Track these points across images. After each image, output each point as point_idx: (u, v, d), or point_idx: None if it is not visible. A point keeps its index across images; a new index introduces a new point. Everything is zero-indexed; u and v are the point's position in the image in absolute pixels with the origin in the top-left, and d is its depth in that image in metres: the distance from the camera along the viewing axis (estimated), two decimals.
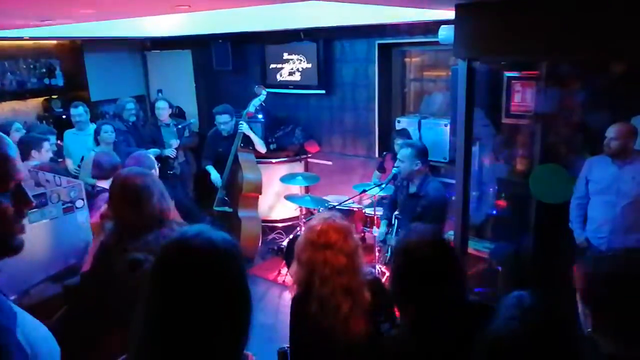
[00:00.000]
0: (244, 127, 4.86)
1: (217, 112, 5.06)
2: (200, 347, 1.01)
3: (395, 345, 1.65)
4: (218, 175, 5.04)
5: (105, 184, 3.27)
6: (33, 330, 1.19)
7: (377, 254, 4.33)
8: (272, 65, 5.99)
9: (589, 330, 1.32)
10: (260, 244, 5.23)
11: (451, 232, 3.13)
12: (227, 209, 5.01)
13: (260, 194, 5.12)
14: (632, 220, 3.36)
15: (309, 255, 1.88)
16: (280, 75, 5.95)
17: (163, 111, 5.41)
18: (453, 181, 3.35)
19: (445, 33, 3.59)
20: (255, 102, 4.91)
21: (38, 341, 1.18)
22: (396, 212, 3.73)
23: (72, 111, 5.00)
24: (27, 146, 3.78)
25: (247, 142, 5.00)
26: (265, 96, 4.94)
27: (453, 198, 3.15)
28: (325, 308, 1.83)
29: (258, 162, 5.20)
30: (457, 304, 1.58)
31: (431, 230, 1.70)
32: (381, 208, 4.27)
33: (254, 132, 5.06)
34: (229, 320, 1.05)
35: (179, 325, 1.02)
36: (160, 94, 6.52)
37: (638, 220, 3.35)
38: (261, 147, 5.11)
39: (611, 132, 3.35)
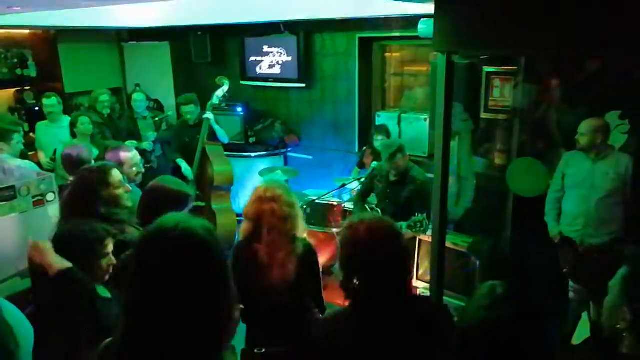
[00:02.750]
0: (209, 117, 4.77)
1: (180, 103, 5.01)
2: (183, 334, 1.03)
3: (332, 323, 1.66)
4: (189, 168, 4.95)
5: None
6: (12, 310, 1.34)
7: None
8: (252, 58, 5.92)
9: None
10: (236, 237, 5.18)
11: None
12: (199, 203, 4.92)
13: (232, 184, 5.05)
14: (605, 215, 3.42)
15: (256, 208, 2.21)
16: (260, 68, 5.89)
17: (140, 104, 5.30)
18: (432, 175, 3.36)
19: (425, 27, 3.59)
20: (219, 94, 4.82)
21: (19, 321, 1.33)
22: (373, 204, 3.72)
23: (45, 102, 4.84)
24: None
25: (214, 134, 4.92)
26: (227, 86, 4.85)
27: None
28: (271, 253, 2.16)
29: (237, 157, 5.15)
30: (399, 292, 1.57)
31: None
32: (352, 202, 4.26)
33: (218, 124, 4.97)
34: (211, 307, 1.06)
35: (161, 313, 1.03)
36: (138, 88, 6.39)
37: (611, 215, 3.41)
38: (224, 138, 5.02)
39: (581, 127, 3.40)
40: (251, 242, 2.25)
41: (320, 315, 2.25)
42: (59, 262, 1.77)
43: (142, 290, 1.05)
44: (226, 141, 5.05)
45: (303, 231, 2.34)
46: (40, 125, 4.93)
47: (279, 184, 2.41)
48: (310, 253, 2.33)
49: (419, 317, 1.57)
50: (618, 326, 1.29)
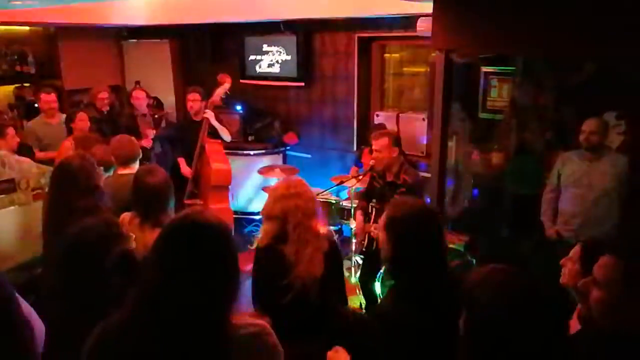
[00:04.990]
0: (209, 115, 4.74)
1: (187, 92, 5.02)
2: (197, 307, 1.17)
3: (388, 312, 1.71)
4: (188, 168, 4.95)
5: None
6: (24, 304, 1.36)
7: (353, 245, 4.34)
8: (252, 57, 5.94)
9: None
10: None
11: None
12: (197, 201, 4.92)
13: (230, 183, 5.01)
14: (601, 214, 3.44)
15: (281, 206, 2.16)
16: (260, 67, 5.91)
17: (140, 101, 5.31)
18: (428, 175, 3.38)
19: (424, 25, 3.62)
20: (220, 91, 4.78)
21: (31, 314, 1.39)
22: (373, 202, 3.73)
23: (45, 97, 4.77)
24: None
25: (214, 132, 4.91)
26: (229, 85, 4.81)
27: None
28: (298, 250, 2.12)
29: (236, 155, 5.15)
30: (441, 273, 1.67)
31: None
32: (357, 201, 4.28)
33: (220, 122, 4.95)
34: (223, 286, 1.21)
35: (180, 289, 1.16)
36: (138, 85, 6.40)
37: (607, 214, 3.43)
38: (226, 137, 5.01)
39: (589, 126, 3.41)
40: (276, 242, 2.18)
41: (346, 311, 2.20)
42: None
43: (162, 272, 1.19)
44: (228, 140, 5.04)
45: (324, 226, 2.30)
46: (36, 122, 4.84)
47: (298, 179, 2.35)
48: (335, 249, 2.30)
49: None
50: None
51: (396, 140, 3.54)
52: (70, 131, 4.48)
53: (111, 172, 3.16)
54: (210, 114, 4.75)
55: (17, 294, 1.42)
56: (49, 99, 4.77)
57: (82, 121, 4.44)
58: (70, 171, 2.41)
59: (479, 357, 1.22)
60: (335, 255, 2.27)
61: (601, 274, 1.38)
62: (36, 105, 5.56)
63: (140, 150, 3.34)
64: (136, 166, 3.07)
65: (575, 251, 1.70)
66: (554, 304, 1.22)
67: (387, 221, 1.74)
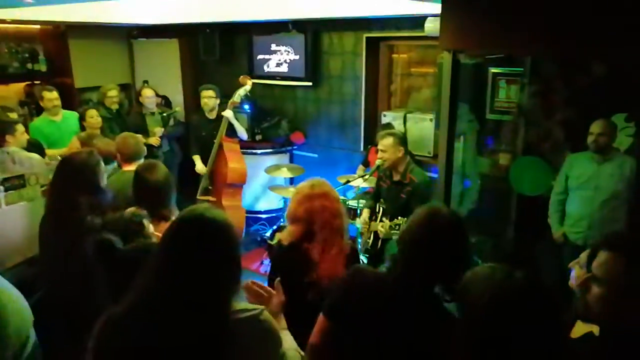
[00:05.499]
0: (229, 114, 4.83)
1: (201, 89, 5.11)
2: (198, 298, 1.22)
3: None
4: (203, 166, 5.01)
5: None
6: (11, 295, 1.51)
7: (359, 244, 4.33)
8: (260, 56, 5.96)
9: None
10: (243, 235, 5.21)
11: None
12: (210, 198, 4.98)
13: (245, 183, 5.09)
14: (608, 216, 3.42)
15: (306, 207, 2.17)
16: (268, 66, 5.93)
17: (149, 99, 5.35)
18: (435, 175, 3.37)
19: (432, 25, 3.61)
20: (241, 92, 4.86)
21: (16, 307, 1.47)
22: (380, 202, 3.73)
23: (48, 95, 4.77)
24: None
25: (232, 131, 4.98)
26: (250, 87, 4.90)
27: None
28: (324, 250, 2.12)
29: (243, 153, 5.18)
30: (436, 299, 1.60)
31: None
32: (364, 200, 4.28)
33: (238, 121, 5.04)
34: (224, 279, 1.26)
35: (183, 280, 1.22)
36: (146, 84, 6.45)
37: (615, 216, 3.41)
38: (244, 135, 5.09)
39: (598, 127, 3.39)
40: (301, 241, 2.19)
41: None
42: None
43: (170, 265, 1.25)
44: (245, 138, 5.13)
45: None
46: (40, 120, 4.84)
47: (321, 180, 2.33)
48: (356, 253, 2.33)
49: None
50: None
51: (402, 140, 3.54)
52: (82, 128, 4.53)
53: (111, 166, 3.20)
54: (229, 113, 4.83)
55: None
56: (51, 96, 4.79)
57: (93, 118, 4.49)
58: (75, 166, 2.45)
59: (475, 356, 1.22)
60: (355, 258, 2.29)
61: (599, 271, 1.38)
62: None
63: (145, 148, 3.37)
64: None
65: (583, 256, 1.70)
66: (554, 303, 1.22)
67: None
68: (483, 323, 1.20)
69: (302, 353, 1.60)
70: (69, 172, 2.45)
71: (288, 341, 1.60)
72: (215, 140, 4.86)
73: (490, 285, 1.21)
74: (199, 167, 5.04)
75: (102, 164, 2.56)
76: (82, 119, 4.52)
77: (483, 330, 1.20)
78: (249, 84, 4.88)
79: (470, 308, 1.23)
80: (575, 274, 1.64)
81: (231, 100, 4.87)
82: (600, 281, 1.37)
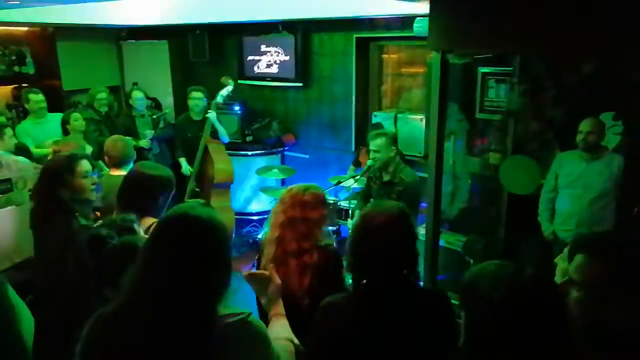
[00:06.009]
0: (212, 116, 4.79)
1: (190, 90, 5.10)
2: (184, 297, 1.20)
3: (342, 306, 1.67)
4: (188, 167, 4.99)
5: None
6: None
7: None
8: (250, 57, 5.95)
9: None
10: (233, 235, 5.19)
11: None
12: (198, 199, 4.95)
13: (232, 182, 5.05)
14: (598, 214, 3.45)
15: (292, 213, 2.12)
16: (258, 68, 5.92)
17: (140, 102, 5.32)
18: (426, 175, 3.37)
19: (421, 25, 3.62)
20: (223, 93, 4.82)
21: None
22: (371, 202, 3.73)
23: (34, 97, 4.71)
24: None
25: (215, 133, 4.94)
26: (232, 87, 4.85)
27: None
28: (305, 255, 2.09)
29: (234, 155, 5.16)
30: (408, 284, 1.63)
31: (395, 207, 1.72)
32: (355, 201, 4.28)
33: (221, 123, 4.99)
34: (211, 279, 1.24)
35: (171, 277, 1.20)
36: (135, 86, 6.41)
37: (604, 215, 3.44)
38: (225, 138, 5.04)
39: (587, 126, 3.41)
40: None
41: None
42: None
43: (155, 265, 1.23)
44: (226, 141, 5.07)
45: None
46: (27, 123, 4.78)
47: (311, 184, 2.29)
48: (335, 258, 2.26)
49: (421, 304, 1.62)
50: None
51: (393, 139, 3.54)
52: (66, 132, 4.48)
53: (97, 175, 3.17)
54: (213, 115, 4.80)
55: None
56: (37, 99, 4.73)
57: (77, 121, 4.45)
58: (57, 168, 2.44)
59: (480, 354, 1.22)
60: (332, 266, 2.19)
61: (576, 274, 1.38)
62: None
63: (135, 152, 3.34)
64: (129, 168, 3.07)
65: (567, 251, 1.70)
66: (562, 299, 1.22)
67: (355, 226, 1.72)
68: (497, 318, 1.18)
69: (297, 341, 1.59)
70: (51, 173, 2.45)
71: (284, 330, 1.60)
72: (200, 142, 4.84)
73: (502, 281, 1.19)
74: (185, 168, 5.02)
75: (83, 163, 2.53)
76: (66, 122, 4.46)
77: (497, 326, 1.18)
78: (230, 84, 4.83)
79: (482, 304, 1.20)
80: (559, 268, 1.64)
81: (214, 101, 4.83)
82: (578, 284, 1.37)
